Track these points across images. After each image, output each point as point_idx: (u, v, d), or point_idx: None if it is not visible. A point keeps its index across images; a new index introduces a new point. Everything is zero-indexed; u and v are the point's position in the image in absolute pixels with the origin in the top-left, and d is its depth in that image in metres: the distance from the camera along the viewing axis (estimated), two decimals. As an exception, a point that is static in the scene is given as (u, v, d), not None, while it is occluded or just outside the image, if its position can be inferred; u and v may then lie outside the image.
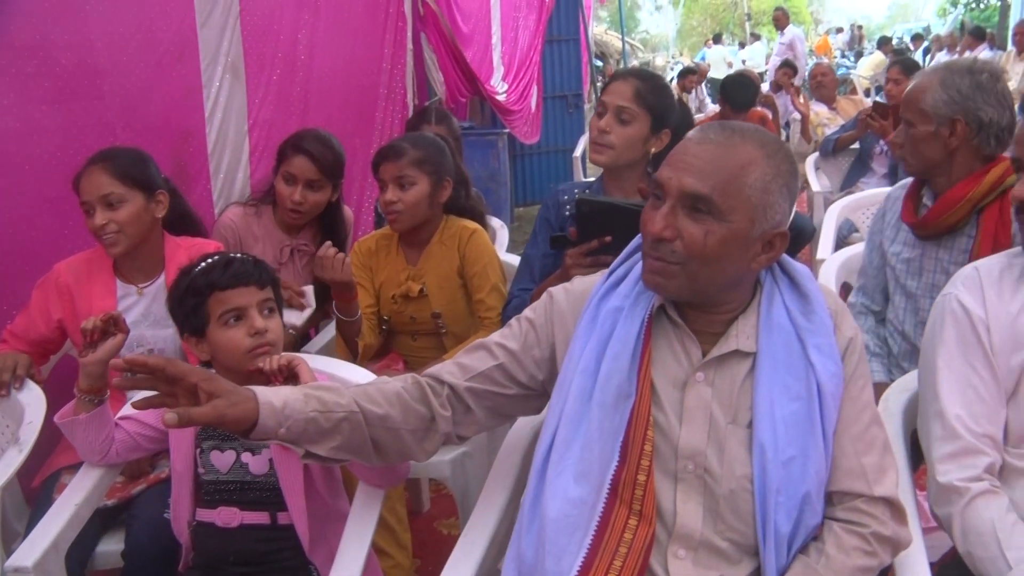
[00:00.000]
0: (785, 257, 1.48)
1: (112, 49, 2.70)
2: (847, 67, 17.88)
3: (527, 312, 1.57)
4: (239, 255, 1.88)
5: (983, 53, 11.64)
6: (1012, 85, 9.55)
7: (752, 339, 1.41)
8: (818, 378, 1.38)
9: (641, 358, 1.41)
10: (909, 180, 2.43)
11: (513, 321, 1.58)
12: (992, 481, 1.53)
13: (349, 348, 2.52)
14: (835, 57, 21.34)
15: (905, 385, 1.82)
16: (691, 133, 1.40)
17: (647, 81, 2.25)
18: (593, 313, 1.47)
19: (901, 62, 5.59)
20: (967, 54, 12.20)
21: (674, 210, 1.34)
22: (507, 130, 6.20)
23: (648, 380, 1.41)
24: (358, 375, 2.02)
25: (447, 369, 1.53)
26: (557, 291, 1.57)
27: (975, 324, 1.59)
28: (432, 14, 4.85)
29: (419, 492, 3.17)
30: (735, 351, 1.41)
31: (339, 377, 1.99)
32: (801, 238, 4.97)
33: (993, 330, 1.58)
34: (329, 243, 2.36)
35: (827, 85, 6.57)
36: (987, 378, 1.57)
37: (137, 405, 1.28)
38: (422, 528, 3.03)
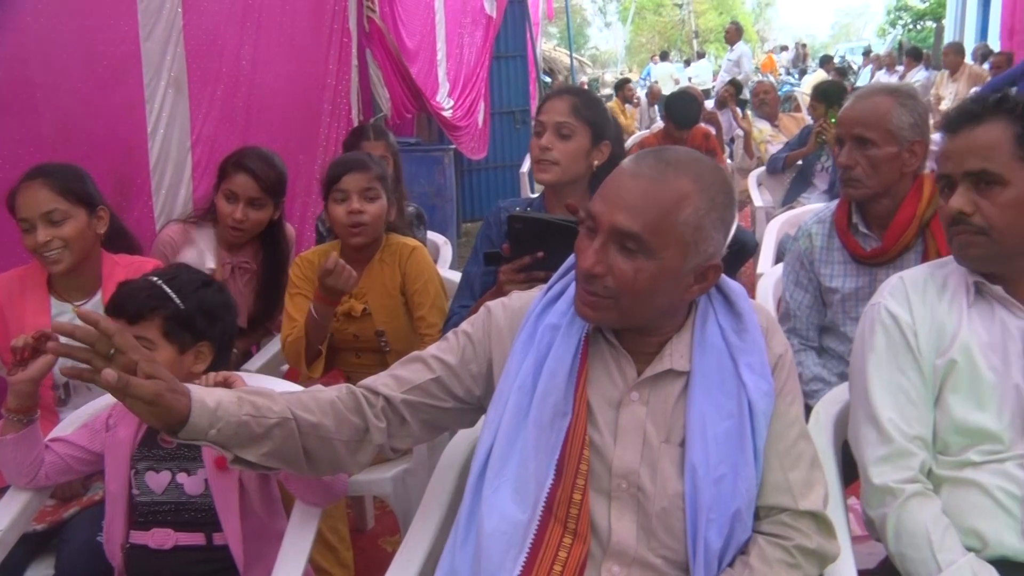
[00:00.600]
0: (721, 276, 1.50)
1: (50, 62, 2.67)
2: (792, 84, 18.20)
3: (464, 326, 1.57)
4: None
5: (919, 73, 11.96)
6: (945, 105, 9.84)
7: (686, 358, 1.43)
8: (749, 397, 1.40)
9: (578, 378, 1.42)
10: (822, 213, 2.43)
11: (450, 335, 1.57)
12: (925, 484, 1.57)
13: (310, 354, 2.50)
14: (780, 75, 21.74)
15: (835, 398, 1.86)
16: (626, 163, 1.39)
17: (581, 96, 2.27)
18: (531, 330, 1.47)
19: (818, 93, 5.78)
20: (908, 74, 12.55)
21: (606, 246, 1.34)
22: (453, 146, 6.20)
23: (584, 399, 1.41)
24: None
25: (382, 381, 1.52)
26: (495, 306, 1.57)
27: (903, 330, 1.64)
28: (377, 30, 4.85)
29: (363, 510, 3.15)
30: (669, 371, 1.43)
31: (277, 395, 1.97)
32: (743, 253, 5.04)
33: (920, 335, 1.64)
34: (336, 254, 2.34)
35: (769, 103, 6.69)
36: (916, 381, 1.62)
37: (66, 371, 1.24)
38: (366, 546, 3.01)
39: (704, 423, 1.38)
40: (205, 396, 1.32)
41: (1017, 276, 1.60)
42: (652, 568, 1.38)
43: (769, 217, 4.42)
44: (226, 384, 1.74)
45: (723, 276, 1.49)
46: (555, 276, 1.54)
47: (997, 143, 1.54)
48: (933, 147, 3.40)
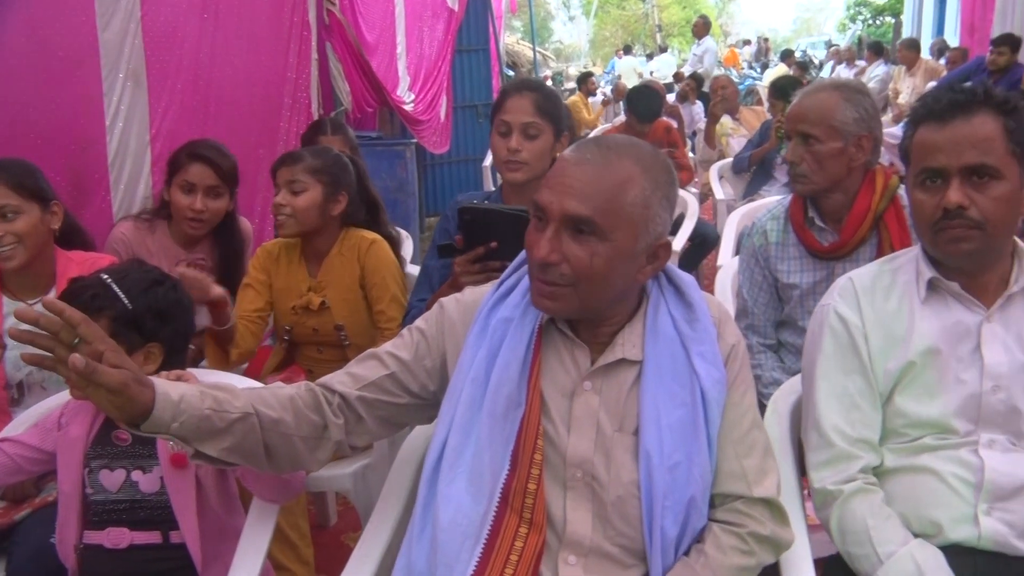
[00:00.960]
0: (670, 267, 1.52)
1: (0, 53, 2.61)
2: (754, 78, 18.37)
3: (419, 322, 1.58)
4: None
5: (879, 68, 12.13)
6: (903, 99, 9.98)
7: (638, 348, 1.44)
8: (702, 385, 1.41)
9: (531, 368, 1.43)
10: (775, 209, 2.45)
11: (405, 331, 1.58)
12: (866, 479, 1.59)
13: (220, 355, 2.50)
14: (743, 69, 21.92)
15: (793, 387, 1.88)
16: (567, 153, 1.42)
17: (541, 91, 2.27)
18: (483, 323, 1.48)
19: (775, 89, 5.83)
20: (869, 68, 12.71)
21: (558, 233, 1.35)
22: (415, 140, 6.18)
23: (537, 390, 1.42)
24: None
25: (338, 379, 1.52)
26: (448, 301, 1.57)
27: (852, 333, 1.66)
28: (338, 23, 4.80)
29: (325, 506, 3.14)
30: (621, 360, 1.44)
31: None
32: (705, 245, 5.10)
33: (870, 337, 1.65)
34: (182, 265, 2.36)
35: (729, 97, 6.73)
36: (863, 384, 1.63)
37: (27, 357, 1.22)
38: (329, 542, 3.00)
39: (658, 411, 1.39)
40: (169, 389, 1.31)
41: (977, 272, 1.61)
42: (609, 557, 1.39)
43: (730, 210, 4.45)
44: (179, 380, 1.72)
45: (674, 268, 1.52)
46: (507, 271, 1.55)
47: (993, 136, 1.52)
48: (892, 140, 3.45)
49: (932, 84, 8.64)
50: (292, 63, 4.50)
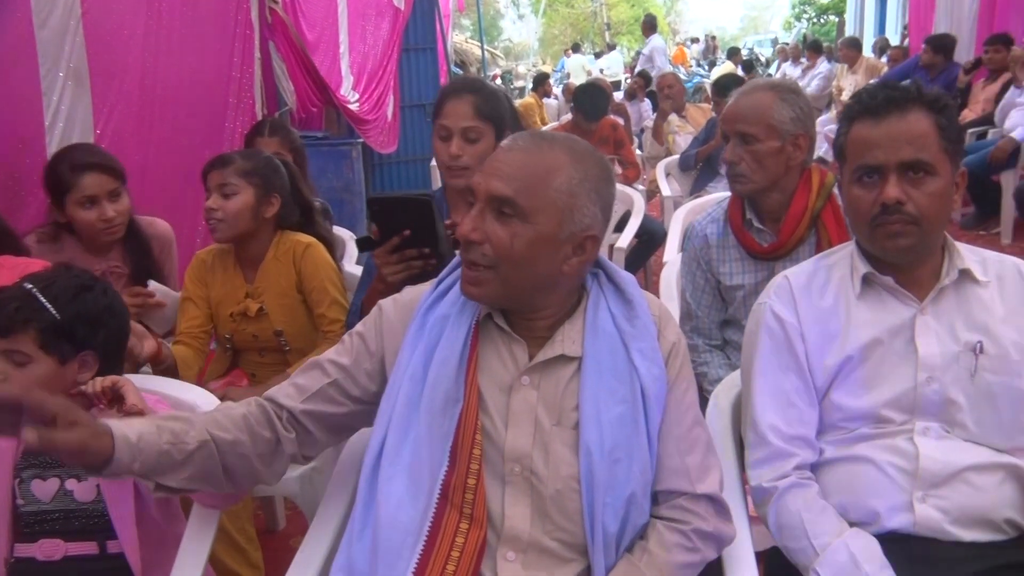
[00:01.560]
0: (610, 265, 1.54)
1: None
2: (702, 76, 18.57)
3: (358, 327, 1.59)
4: None
5: (822, 65, 12.32)
6: (846, 96, 10.16)
7: (578, 344, 1.45)
8: (642, 381, 1.43)
9: (468, 363, 1.44)
10: (714, 212, 2.45)
11: (345, 337, 1.59)
12: (801, 475, 1.61)
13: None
14: (691, 66, 22.12)
15: (734, 382, 1.89)
16: (504, 142, 1.45)
17: (480, 92, 2.21)
18: (421, 321, 1.49)
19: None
20: (812, 66, 12.90)
21: (483, 213, 1.39)
22: (361, 140, 6.13)
23: (475, 385, 1.43)
24: (194, 395, 1.95)
25: (284, 392, 1.54)
26: (386, 303, 1.58)
27: (788, 333, 1.67)
28: (280, 22, 4.74)
29: (274, 510, 3.10)
30: (560, 356, 1.44)
31: (175, 398, 1.92)
32: (653, 242, 5.13)
33: (807, 336, 1.67)
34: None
35: (675, 95, 6.79)
36: (798, 383, 1.66)
37: None
38: (277, 546, 2.96)
39: (598, 407, 1.40)
40: (126, 431, 1.33)
41: (910, 267, 1.64)
42: (548, 552, 1.40)
43: (678, 206, 4.48)
44: (114, 389, 1.70)
45: (613, 266, 1.53)
46: (445, 271, 1.56)
47: (927, 133, 1.55)
48: (830, 134, 3.50)
49: (874, 82, 8.80)
50: (236, 62, 4.46)
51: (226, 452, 1.44)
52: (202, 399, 1.92)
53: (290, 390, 1.53)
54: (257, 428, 1.48)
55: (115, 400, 1.69)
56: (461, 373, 1.43)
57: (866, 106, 1.60)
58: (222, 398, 2.31)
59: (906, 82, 1.67)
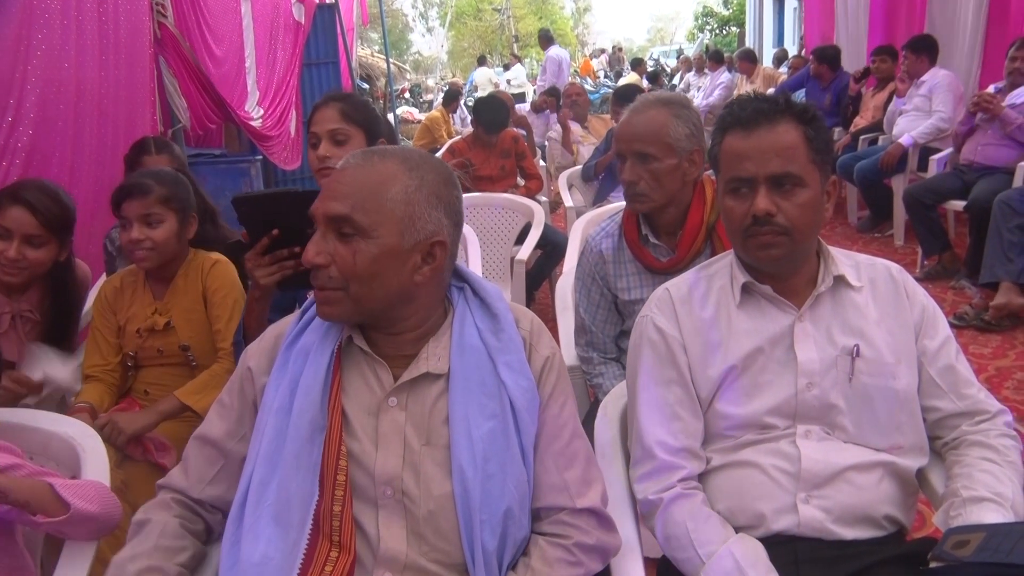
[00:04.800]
0: (476, 278, 1.54)
1: None
2: (608, 87, 18.83)
3: (223, 393, 1.56)
4: None
5: (723, 75, 12.65)
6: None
7: (444, 360, 1.44)
8: (510, 395, 1.42)
9: (331, 389, 1.41)
10: (608, 227, 2.45)
11: (224, 396, 1.55)
12: (686, 486, 1.62)
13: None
14: (599, 77, 22.42)
15: (622, 391, 1.89)
16: (339, 163, 1.44)
17: (347, 100, 2.28)
18: (284, 357, 1.47)
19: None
20: (713, 75, 13.23)
21: (325, 236, 1.38)
22: (260, 156, 6.01)
23: (339, 409, 1.41)
24: (68, 427, 1.89)
25: (190, 483, 1.51)
26: (249, 350, 1.56)
27: (670, 345, 1.69)
28: (171, 37, 4.61)
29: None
30: (426, 374, 1.43)
31: (46, 431, 1.86)
32: (556, 253, 5.15)
33: (689, 348, 1.68)
34: (103, 416, 2.28)
35: (580, 105, 6.86)
36: (682, 395, 1.67)
37: None
38: None
39: (468, 424, 1.39)
40: None
41: (787, 275, 1.66)
42: (427, 573, 1.38)
43: (580, 216, 4.50)
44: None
45: (480, 280, 1.53)
46: (308, 302, 1.53)
47: (796, 144, 1.57)
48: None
49: (772, 91, 9.06)
50: (131, 78, 4.30)
51: (185, 565, 1.44)
52: (75, 430, 1.86)
53: (194, 480, 1.51)
54: (193, 527, 1.49)
55: None
56: (325, 399, 1.41)
57: (737, 117, 1.62)
58: (105, 424, 2.24)
59: (800, 92, 1.70)
